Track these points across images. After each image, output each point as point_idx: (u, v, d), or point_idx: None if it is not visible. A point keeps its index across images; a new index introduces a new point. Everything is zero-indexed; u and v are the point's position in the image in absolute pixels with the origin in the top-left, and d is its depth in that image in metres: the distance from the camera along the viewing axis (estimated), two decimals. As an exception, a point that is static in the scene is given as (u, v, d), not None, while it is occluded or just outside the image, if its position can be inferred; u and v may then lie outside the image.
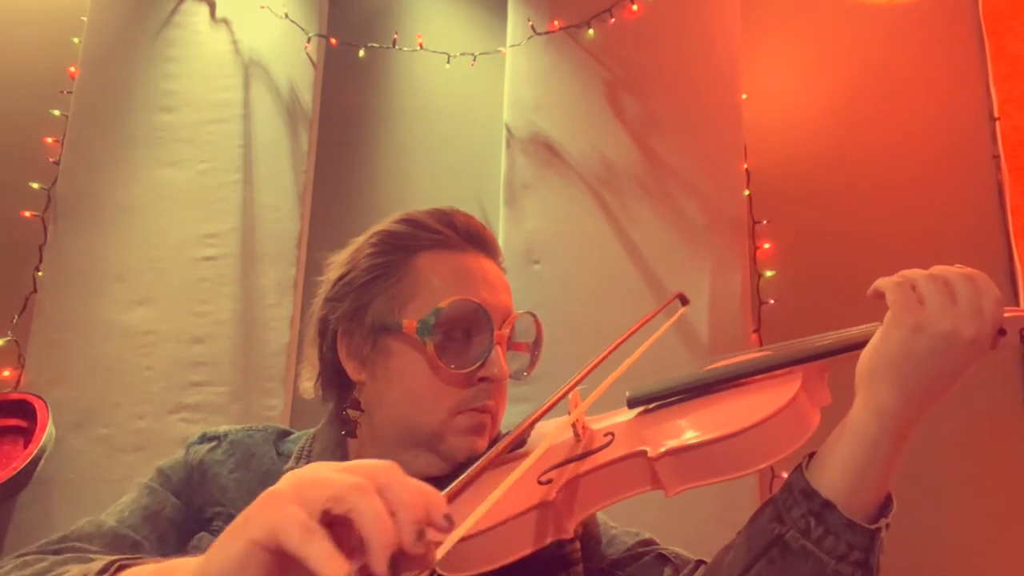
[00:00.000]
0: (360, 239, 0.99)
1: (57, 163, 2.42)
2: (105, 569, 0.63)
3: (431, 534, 0.49)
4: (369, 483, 0.49)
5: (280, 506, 0.48)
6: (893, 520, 0.77)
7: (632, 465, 0.79)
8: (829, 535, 0.74)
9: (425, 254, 0.95)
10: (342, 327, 0.95)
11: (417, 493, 0.49)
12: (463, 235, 0.96)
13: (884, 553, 0.76)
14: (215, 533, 0.82)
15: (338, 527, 0.48)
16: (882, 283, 0.77)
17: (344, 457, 0.92)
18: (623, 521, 1.04)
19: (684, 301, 1.05)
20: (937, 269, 0.75)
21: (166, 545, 0.88)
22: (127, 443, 2.18)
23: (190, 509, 0.88)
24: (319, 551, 0.46)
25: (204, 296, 2.33)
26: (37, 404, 2.17)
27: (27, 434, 2.15)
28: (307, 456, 0.94)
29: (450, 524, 0.50)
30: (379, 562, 0.47)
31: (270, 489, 0.50)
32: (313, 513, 0.48)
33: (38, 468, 2.11)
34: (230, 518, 0.74)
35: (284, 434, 1.01)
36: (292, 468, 0.91)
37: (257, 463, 0.93)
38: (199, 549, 0.80)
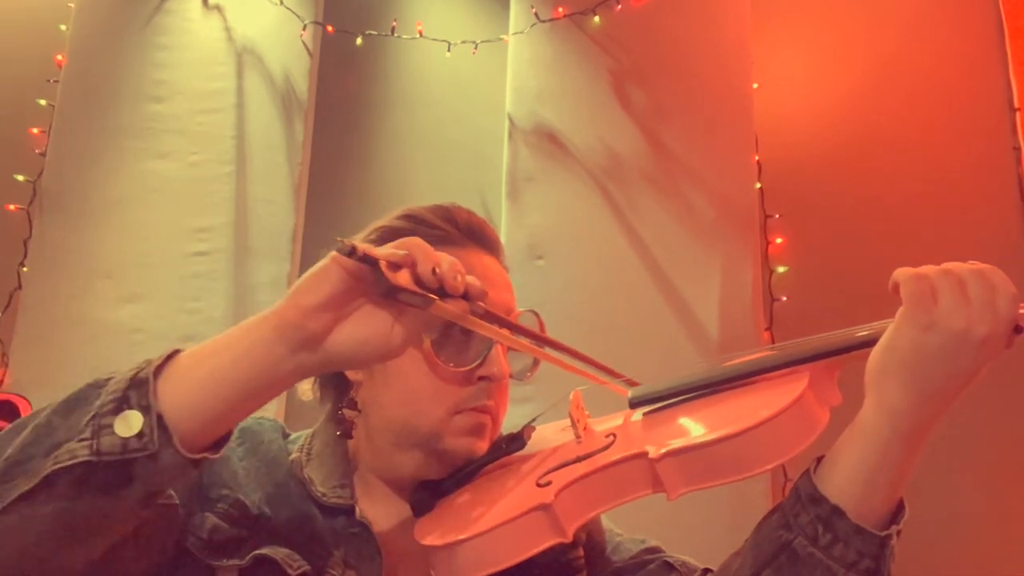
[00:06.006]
0: (359, 236, 0.98)
1: (43, 154, 2.40)
2: (166, 357, 0.69)
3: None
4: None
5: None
6: (905, 526, 0.77)
7: (633, 467, 0.78)
8: (838, 542, 0.74)
9: None
10: None
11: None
12: (464, 231, 0.97)
13: (895, 560, 0.76)
14: (219, 515, 0.83)
15: None
16: (899, 274, 0.75)
17: (343, 456, 0.93)
18: (630, 527, 1.03)
19: None
20: (952, 265, 0.74)
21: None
22: (115, 445, 2.16)
23: (199, 485, 0.87)
24: (381, 248, 0.68)
25: (195, 293, 2.31)
26: (21, 404, 2.15)
27: (10, 436, 2.12)
28: (308, 452, 0.94)
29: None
30: (425, 266, 0.69)
31: None
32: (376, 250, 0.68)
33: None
34: (236, 502, 0.84)
35: (284, 434, 1.02)
36: (296, 458, 0.92)
37: (265, 449, 0.93)
38: (203, 528, 0.82)
